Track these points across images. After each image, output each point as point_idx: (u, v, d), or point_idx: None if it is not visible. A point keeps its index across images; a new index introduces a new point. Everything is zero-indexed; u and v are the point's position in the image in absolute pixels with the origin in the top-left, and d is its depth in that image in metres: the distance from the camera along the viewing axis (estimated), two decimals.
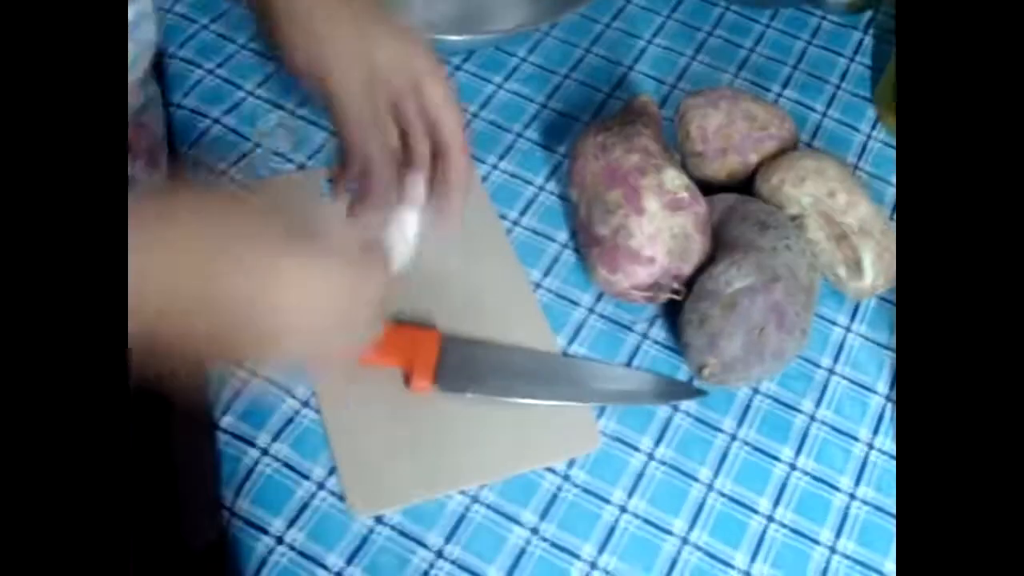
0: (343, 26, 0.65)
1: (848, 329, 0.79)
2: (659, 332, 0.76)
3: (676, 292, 0.73)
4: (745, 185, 0.80)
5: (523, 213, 0.82)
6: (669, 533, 0.68)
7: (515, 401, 0.71)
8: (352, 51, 0.65)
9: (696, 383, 0.73)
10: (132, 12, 0.58)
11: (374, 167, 0.66)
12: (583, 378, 0.73)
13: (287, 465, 0.68)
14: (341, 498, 0.67)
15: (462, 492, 0.68)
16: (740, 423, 0.73)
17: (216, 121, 0.85)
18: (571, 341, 0.75)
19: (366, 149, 0.66)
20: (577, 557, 0.66)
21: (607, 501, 0.68)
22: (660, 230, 0.72)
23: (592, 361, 0.74)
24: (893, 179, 0.88)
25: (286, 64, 0.67)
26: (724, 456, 0.71)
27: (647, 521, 0.68)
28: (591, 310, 0.77)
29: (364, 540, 0.65)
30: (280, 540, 0.65)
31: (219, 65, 0.89)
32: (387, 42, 0.66)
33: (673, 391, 0.73)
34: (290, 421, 0.69)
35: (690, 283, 0.73)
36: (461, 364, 0.71)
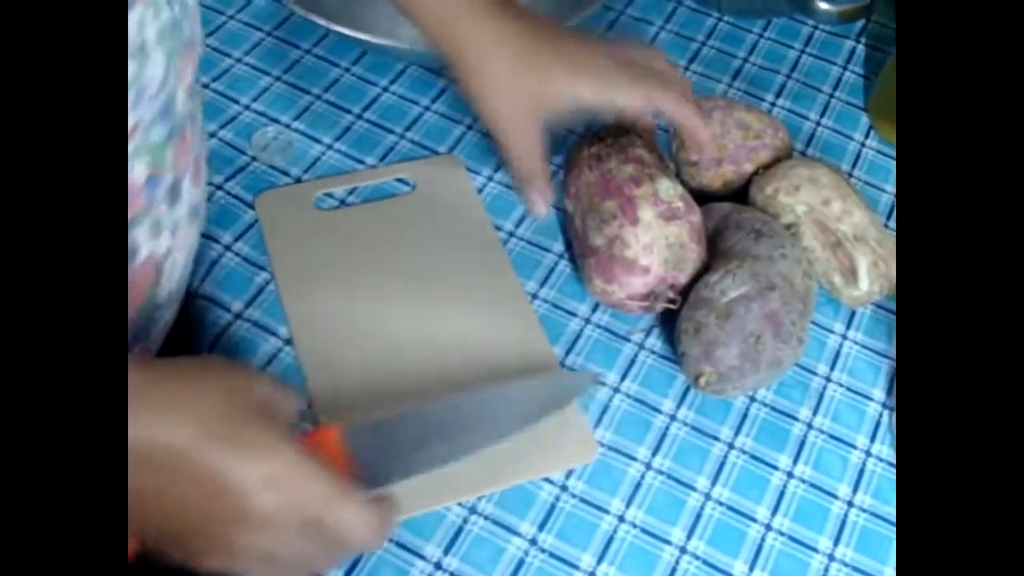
0: (508, 75, 0.72)
1: (844, 337, 0.79)
2: (656, 342, 0.77)
3: (672, 302, 0.73)
4: (740, 194, 0.80)
5: (519, 224, 0.82)
6: (667, 542, 0.68)
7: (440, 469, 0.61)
8: (516, 100, 0.72)
9: (693, 392, 0.74)
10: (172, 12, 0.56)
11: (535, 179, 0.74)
12: (496, 414, 0.63)
13: None
14: None
15: (460, 503, 0.68)
16: (737, 432, 0.73)
17: (212, 135, 0.85)
18: (568, 352, 0.75)
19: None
20: (576, 568, 0.66)
21: (605, 511, 0.68)
22: (655, 240, 0.72)
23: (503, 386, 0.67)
24: (887, 186, 0.89)
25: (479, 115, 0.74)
26: (722, 465, 0.71)
27: (645, 531, 0.68)
28: (588, 320, 0.77)
29: (362, 553, 0.65)
30: None
31: (215, 79, 0.89)
32: (557, 76, 0.71)
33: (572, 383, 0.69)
34: None
35: (686, 292, 0.73)
36: (373, 455, 0.58)
